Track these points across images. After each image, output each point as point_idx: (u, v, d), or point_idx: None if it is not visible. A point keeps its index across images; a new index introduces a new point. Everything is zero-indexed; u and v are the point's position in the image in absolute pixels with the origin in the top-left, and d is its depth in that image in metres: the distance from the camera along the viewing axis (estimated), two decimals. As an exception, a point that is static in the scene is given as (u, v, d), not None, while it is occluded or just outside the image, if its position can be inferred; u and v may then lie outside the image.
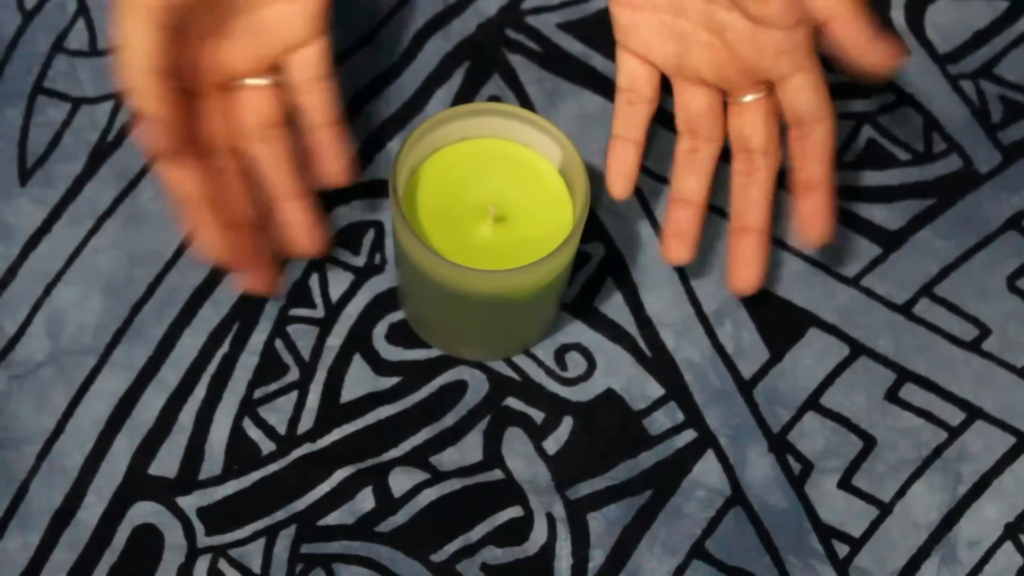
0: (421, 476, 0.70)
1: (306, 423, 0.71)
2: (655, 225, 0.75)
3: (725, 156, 0.76)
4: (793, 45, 0.65)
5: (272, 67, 0.68)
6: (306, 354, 0.72)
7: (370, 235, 0.74)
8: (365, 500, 0.69)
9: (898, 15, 0.79)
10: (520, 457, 0.70)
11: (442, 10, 0.79)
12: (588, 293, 0.74)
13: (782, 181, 0.77)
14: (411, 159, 0.66)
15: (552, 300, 0.70)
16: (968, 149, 0.77)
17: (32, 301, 0.72)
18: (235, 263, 0.67)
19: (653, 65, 0.70)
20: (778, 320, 0.73)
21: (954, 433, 0.71)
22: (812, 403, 0.72)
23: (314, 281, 0.73)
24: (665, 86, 0.71)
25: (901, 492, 0.70)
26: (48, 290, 0.72)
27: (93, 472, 0.69)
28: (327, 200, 0.75)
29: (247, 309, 0.72)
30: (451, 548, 0.69)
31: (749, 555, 0.69)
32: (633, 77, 0.70)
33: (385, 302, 0.73)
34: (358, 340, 0.72)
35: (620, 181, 0.69)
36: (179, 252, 0.73)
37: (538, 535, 0.69)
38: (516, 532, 0.69)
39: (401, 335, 0.72)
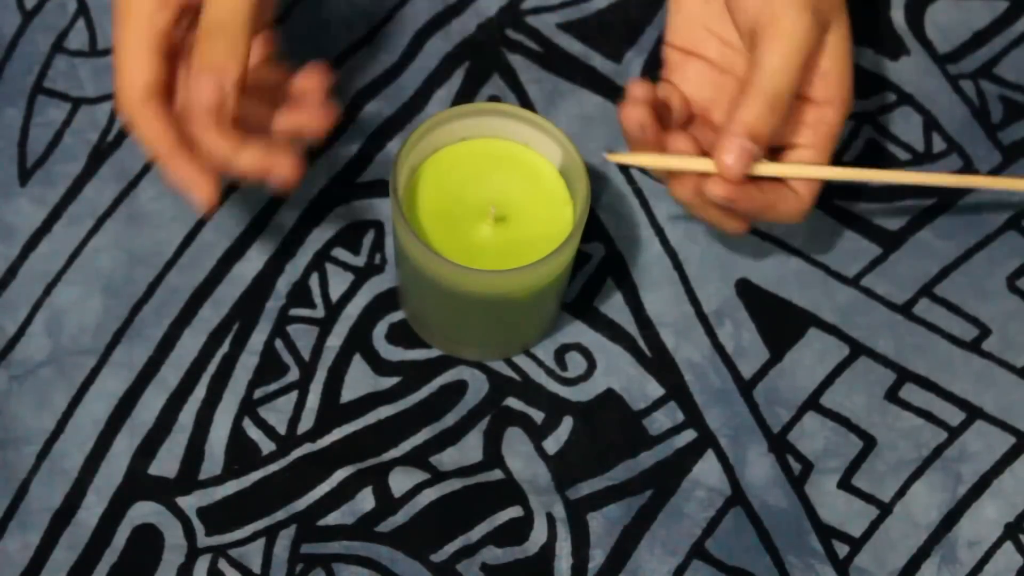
0: (421, 476, 0.70)
1: (306, 423, 0.71)
2: (655, 225, 0.75)
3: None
4: (821, 121, 0.65)
5: None
6: (306, 354, 0.72)
7: (370, 235, 0.74)
8: (365, 500, 0.69)
9: (898, 15, 0.79)
10: (520, 457, 0.70)
11: (442, 10, 0.79)
12: (588, 293, 0.73)
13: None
14: (411, 159, 0.66)
15: (552, 300, 0.70)
16: (968, 149, 0.77)
17: (32, 301, 0.72)
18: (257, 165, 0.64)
19: (686, 99, 0.69)
20: (778, 320, 0.73)
21: (954, 433, 0.71)
22: (812, 403, 0.72)
23: (314, 281, 0.73)
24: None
25: (901, 492, 0.70)
26: (48, 290, 0.72)
27: (93, 472, 0.69)
28: (328, 198, 0.75)
29: (247, 309, 0.72)
30: (451, 548, 0.69)
31: (749, 555, 0.69)
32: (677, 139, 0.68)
33: (385, 302, 0.73)
34: (358, 340, 0.72)
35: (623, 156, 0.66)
36: (179, 252, 0.73)
37: (538, 535, 0.69)
38: (516, 532, 0.69)
39: (401, 335, 0.72)
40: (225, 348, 0.72)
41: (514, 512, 0.69)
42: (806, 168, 0.65)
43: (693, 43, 0.68)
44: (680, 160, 0.64)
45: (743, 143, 0.62)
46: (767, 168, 0.63)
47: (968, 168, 0.76)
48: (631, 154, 0.66)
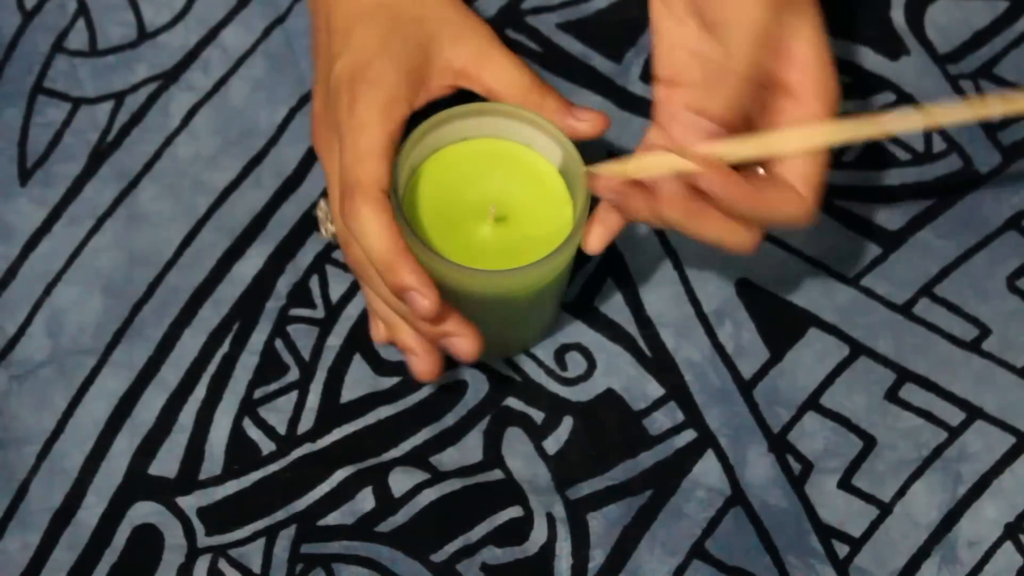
0: (421, 476, 0.70)
1: (306, 423, 0.71)
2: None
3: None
4: (810, 117, 0.64)
5: None
6: (306, 354, 0.72)
7: (370, 235, 0.74)
8: (365, 500, 0.69)
9: (898, 15, 0.79)
10: (520, 457, 0.70)
11: (442, 10, 0.79)
12: (588, 293, 0.73)
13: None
14: (411, 159, 0.66)
15: (552, 300, 0.70)
16: (968, 149, 0.77)
17: (32, 301, 0.72)
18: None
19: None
20: (778, 320, 0.73)
21: (954, 433, 0.71)
22: (812, 403, 0.72)
23: (314, 282, 0.73)
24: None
25: (901, 492, 0.70)
26: (48, 290, 0.72)
27: (93, 472, 0.69)
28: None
29: (247, 309, 0.72)
30: (451, 548, 0.69)
31: (749, 555, 0.69)
32: (651, 148, 0.68)
33: (385, 302, 0.73)
34: (358, 340, 0.72)
35: (599, 234, 0.65)
36: (179, 252, 0.73)
37: (538, 535, 0.69)
38: (516, 532, 0.69)
39: (401, 335, 0.72)
40: (225, 348, 0.72)
41: (514, 512, 0.69)
42: (769, 137, 0.63)
43: (676, 70, 0.67)
44: (649, 160, 0.63)
45: (693, 118, 0.62)
46: (739, 146, 0.62)
47: (968, 168, 0.76)
48: (604, 165, 0.64)
